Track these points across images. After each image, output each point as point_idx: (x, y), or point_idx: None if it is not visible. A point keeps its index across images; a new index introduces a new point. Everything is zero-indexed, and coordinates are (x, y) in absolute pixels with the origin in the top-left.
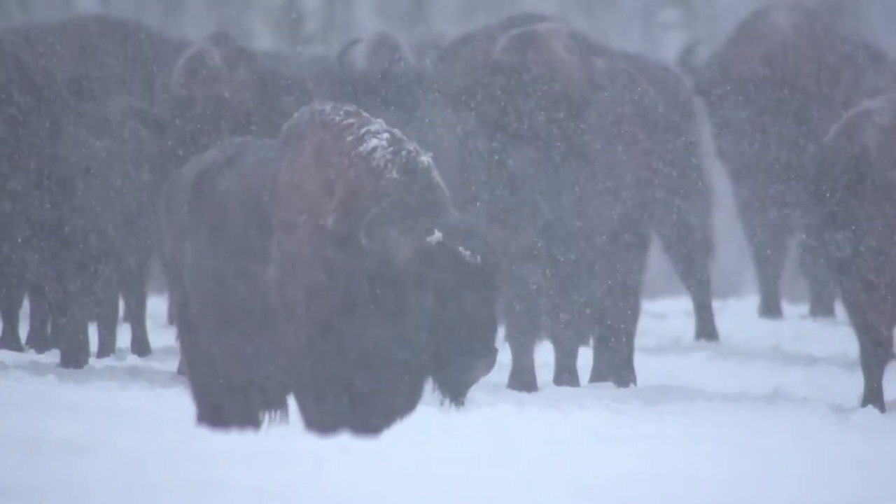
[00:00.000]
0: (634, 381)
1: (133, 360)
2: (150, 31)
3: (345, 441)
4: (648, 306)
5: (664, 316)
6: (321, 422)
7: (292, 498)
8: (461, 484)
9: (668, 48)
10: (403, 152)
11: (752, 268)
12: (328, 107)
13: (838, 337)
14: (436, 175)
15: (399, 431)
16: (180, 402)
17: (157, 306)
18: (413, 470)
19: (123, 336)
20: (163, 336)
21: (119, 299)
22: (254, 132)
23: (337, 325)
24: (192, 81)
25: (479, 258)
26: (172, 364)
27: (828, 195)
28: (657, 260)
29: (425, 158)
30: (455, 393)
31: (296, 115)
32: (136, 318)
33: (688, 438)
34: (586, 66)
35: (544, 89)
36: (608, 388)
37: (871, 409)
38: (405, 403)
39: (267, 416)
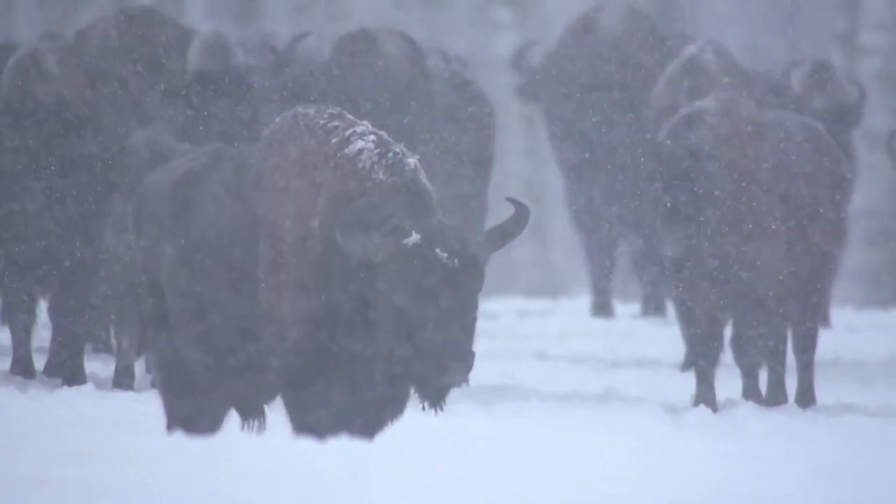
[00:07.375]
0: (467, 380)
1: None
2: None
3: (177, 440)
4: (481, 306)
5: (496, 316)
6: (310, 425)
7: (123, 496)
8: (291, 480)
9: (499, 48)
10: (390, 154)
11: (584, 268)
12: (312, 110)
13: (670, 336)
14: (423, 177)
15: (233, 431)
16: (14, 402)
17: None
18: (244, 468)
19: None
20: None
21: None
22: (84, 132)
23: (324, 327)
24: (23, 82)
25: (455, 261)
26: (4, 364)
27: (660, 194)
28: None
29: (412, 160)
30: (433, 397)
31: (278, 118)
32: None
33: (521, 438)
34: (418, 63)
35: (379, 85)
36: None
37: (703, 409)
38: (394, 405)
39: (245, 424)
